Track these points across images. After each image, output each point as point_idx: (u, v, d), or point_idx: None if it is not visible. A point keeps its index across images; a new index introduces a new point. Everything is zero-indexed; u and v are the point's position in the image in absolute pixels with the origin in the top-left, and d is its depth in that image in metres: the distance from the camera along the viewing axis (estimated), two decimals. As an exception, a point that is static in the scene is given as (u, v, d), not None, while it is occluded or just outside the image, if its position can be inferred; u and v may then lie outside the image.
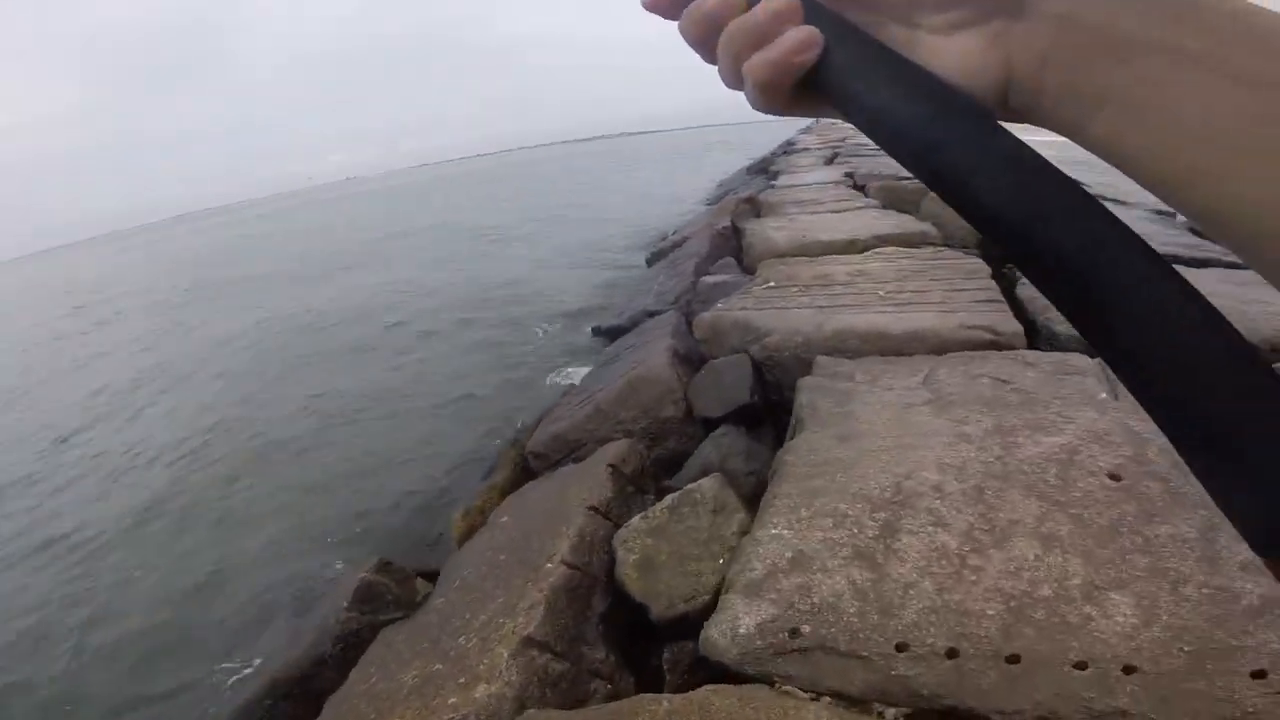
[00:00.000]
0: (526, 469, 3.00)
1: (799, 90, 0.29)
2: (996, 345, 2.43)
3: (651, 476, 2.53)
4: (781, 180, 7.65)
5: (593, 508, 2.11)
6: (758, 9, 0.29)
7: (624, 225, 11.59)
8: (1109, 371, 2.15)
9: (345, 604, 2.27)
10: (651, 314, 4.53)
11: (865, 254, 3.78)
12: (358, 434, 5.17)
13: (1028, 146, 0.25)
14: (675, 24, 0.31)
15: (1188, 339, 0.22)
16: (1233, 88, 0.22)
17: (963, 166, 0.25)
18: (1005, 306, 2.72)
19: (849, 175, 7.23)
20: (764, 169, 11.11)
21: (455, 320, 7.69)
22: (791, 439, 2.05)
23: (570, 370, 5.14)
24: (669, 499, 2.07)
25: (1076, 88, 0.25)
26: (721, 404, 2.63)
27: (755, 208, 6.01)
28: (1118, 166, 0.25)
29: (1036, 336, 2.60)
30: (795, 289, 3.33)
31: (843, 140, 15.15)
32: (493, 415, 4.87)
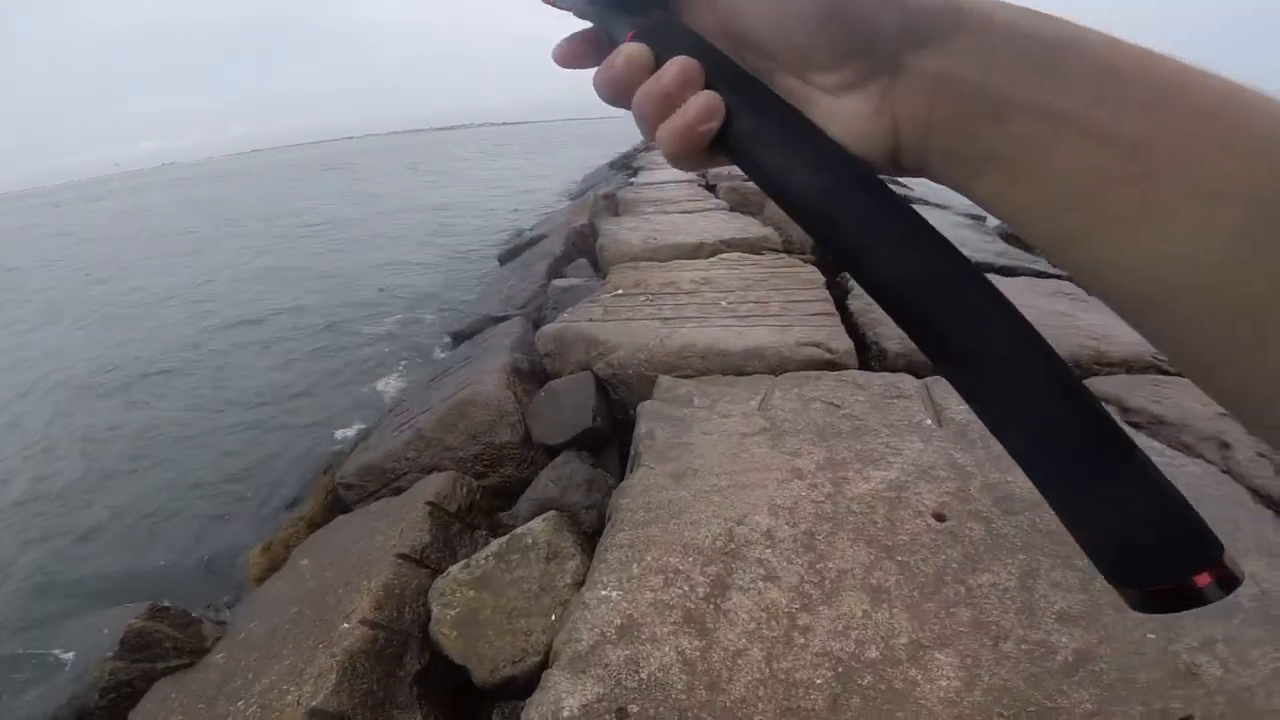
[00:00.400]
0: (340, 499, 2.67)
1: (709, 148, 0.30)
2: (831, 364, 2.44)
3: (484, 511, 2.30)
4: (641, 177, 7.59)
5: (403, 555, 1.87)
6: (662, 74, 0.29)
7: (480, 219, 11.03)
8: (933, 394, 2.24)
9: (111, 653, 2.06)
10: (496, 319, 4.22)
11: (711, 259, 3.75)
12: (150, 458, 4.37)
13: (912, 213, 0.26)
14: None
15: (1030, 379, 0.24)
16: (1095, 147, 0.21)
17: (853, 238, 0.27)
18: (838, 320, 2.76)
19: (702, 174, 7.32)
20: (626, 164, 11.06)
21: (276, 320, 6.85)
22: (630, 473, 1.89)
23: (404, 380, 4.69)
24: (495, 544, 1.85)
25: (958, 149, 0.25)
26: (561, 429, 2.43)
27: (614, 205, 5.86)
28: (1003, 221, 0.25)
29: (867, 352, 2.66)
30: (643, 297, 3.20)
31: None
32: (313, 430, 4.33)
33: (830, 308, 2.90)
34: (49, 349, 7.11)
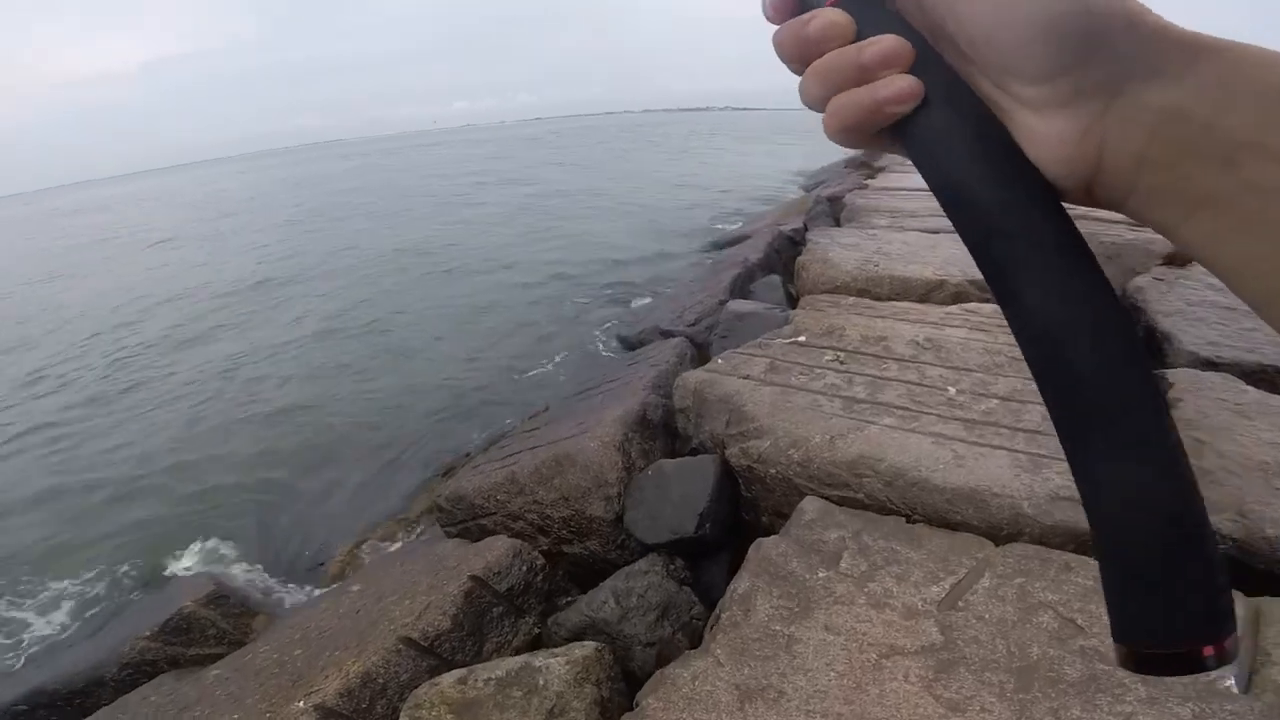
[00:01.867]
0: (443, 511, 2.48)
1: (883, 132, 0.29)
2: None
3: (543, 594, 1.95)
4: (880, 179, 6.40)
5: (408, 641, 1.66)
6: (866, 48, 0.28)
7: (708, 205, 10.59)
8: (1262, 634, 1.22)
9: (148, 633, 2.20)
10: (665, 333, 3.71)
11: (949, 309, 2.78)
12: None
13: (1090, 257, 0.26)
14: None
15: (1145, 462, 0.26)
16: None
17: (1018, 270, 0.26)
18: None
19: None
20: (866, 161, 9.77)
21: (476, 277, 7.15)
22: (689, 651, 1.25)
23: (561, 376, 4.41)
24: (507, 666, 1.49)
25: (1174, 189, 0.23)
26: (657, 527, 1.87)
27: (836, 210, 4.93)
28: (1211, 270, 0.24)
29: None
30: (831, 355, 2.42)
31: None
32: (462, 412, 4.25)
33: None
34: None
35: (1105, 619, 0.92)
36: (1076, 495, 1.09)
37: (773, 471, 1.87)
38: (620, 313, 5.28)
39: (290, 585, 2.77)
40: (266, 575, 2.88)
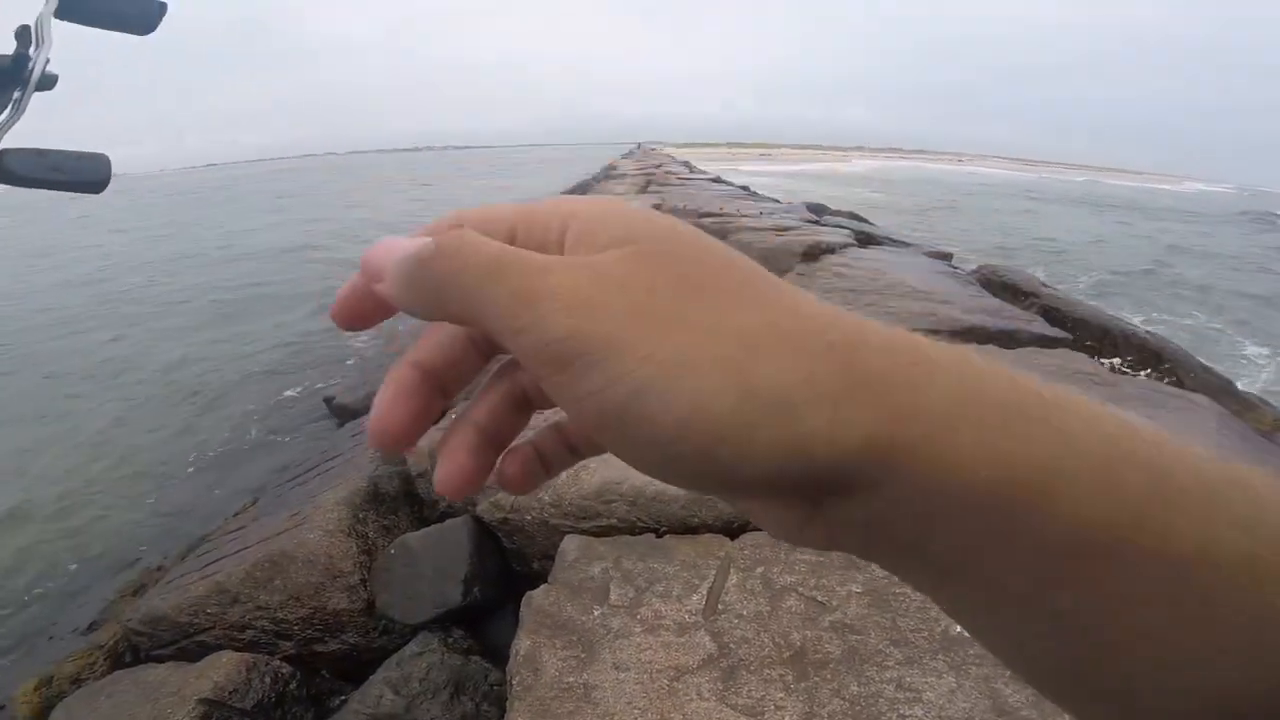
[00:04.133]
0: (131, 643, 2.11)
1: None
2: None
3: (304, 701, 1.74)
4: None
5: None
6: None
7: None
8: None
9: None
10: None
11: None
12: None
13: None
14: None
15: None
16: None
17: None
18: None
19: (658, 208, 6.76)
20: (583, 193, 10.55)
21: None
22: None
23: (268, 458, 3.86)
24: None
25: (907, 570, 0.22)
26: (418, 606, 1.75)
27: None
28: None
29: None
30: (562, 390, 2.49)
31: (658, 167, 15.17)
32: (146, 517, 3.46)
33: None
34: None
35: (839, 590, 1.10)
36: None
37: (529, 518, 1.87)
38: (335, 381, 4.80)
39: None
40: None
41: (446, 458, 0.25)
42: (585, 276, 0.19)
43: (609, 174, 16.56)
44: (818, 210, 9.56)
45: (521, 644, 1.38)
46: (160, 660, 1.86)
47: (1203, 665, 0.17)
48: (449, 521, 1.93)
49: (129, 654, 2.04)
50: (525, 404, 0.26)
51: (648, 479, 1.68)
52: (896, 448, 0.18)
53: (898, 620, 1.44)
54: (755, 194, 12.54)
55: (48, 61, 0.30)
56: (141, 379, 5.87)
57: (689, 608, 1.46)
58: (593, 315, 0.19)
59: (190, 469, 4.14)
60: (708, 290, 0.20)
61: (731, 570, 1.60)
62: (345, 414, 3.70)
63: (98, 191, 0.30)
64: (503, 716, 1.26)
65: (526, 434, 0.26)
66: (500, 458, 0.25)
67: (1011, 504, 0.18)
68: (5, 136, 0.29)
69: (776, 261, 4.23)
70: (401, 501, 2.22)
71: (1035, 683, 0.21)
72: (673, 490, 1.84)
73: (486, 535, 1.92)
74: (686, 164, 23.70)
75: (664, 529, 1.82)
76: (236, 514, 2.82)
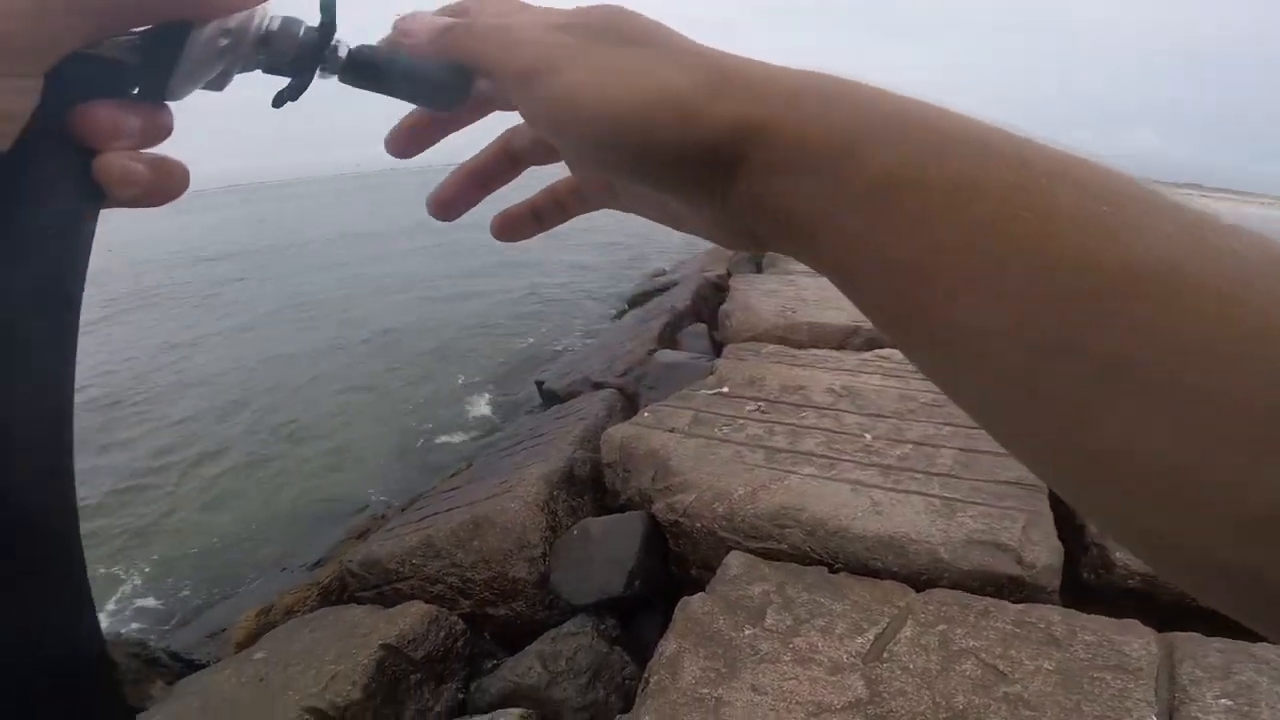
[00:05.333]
0: (345, 583, 2.44)
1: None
2: (1015, 584, 1.63)
3: (464, 659, 1.93)
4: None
5: (314, 711, 1.60)
6: None
7: (631, 249, 10.89)
8: (1178, 670, 1.34)
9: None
10: (596, 385, 3.74)
11: (865, 355, 2.94)
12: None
13: None
14: None
15: None
16: (889, 279, 0.23)
17: None
18: (1044, 499, 1.88)
19: None
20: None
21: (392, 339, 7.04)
22: (625, 717, 1.25)
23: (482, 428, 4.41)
24: None
25: (794, 252, 0.26)
26: (584, 588, 1.88)
27: (758, 256, 5.18)
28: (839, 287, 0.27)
29: (1076, 565, 1.82)
30: (753, 405, 2.51)
31: None
32: (377, 472, 4.16)
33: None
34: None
35: (1026, 664, 1.00)
36: (991, 538, 1.17)
37: (698, 526, 1.91)
38: (548, 364, 5.32)
39: (194, 648, 2.63)
40: (171, 635, 2.73)
41: (438, 187, 0.35)
42: (545, 26, 0.28)
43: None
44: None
45: (668, 645, 1.42)
46: (361, 602, 2.20)
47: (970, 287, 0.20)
48: (628, 514, 2.05)
49: (338, 593, 2.40)
50: (514, 159, 0.34)
51: (830, 509, 1.62)
52: (756, 121, 0.24)
53: (1083, 705, 1.24)
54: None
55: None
56: (412, 343, 7.02)
57: (849, 649, 1.39)
58: (549, 50, 0.27)
59: (424, 430, 4.87)
60: (630, 39, 0.27)
61: (909, 622, 1.49)
62: (552, 398, 4.06)
63: (450, 109, 0.29)
64: (627, 710, 1.32)
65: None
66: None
67: (835, 158, 0.23)
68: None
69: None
70: (589, 486, 2.40)
71: (892, 337, 0.24)
72: (858, 527, 1.76)
73: (656, 534, 1.99)
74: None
75: (839, 566, 1.74)
76: (453, 475, 3.25)
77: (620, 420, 2.90)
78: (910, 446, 2.20)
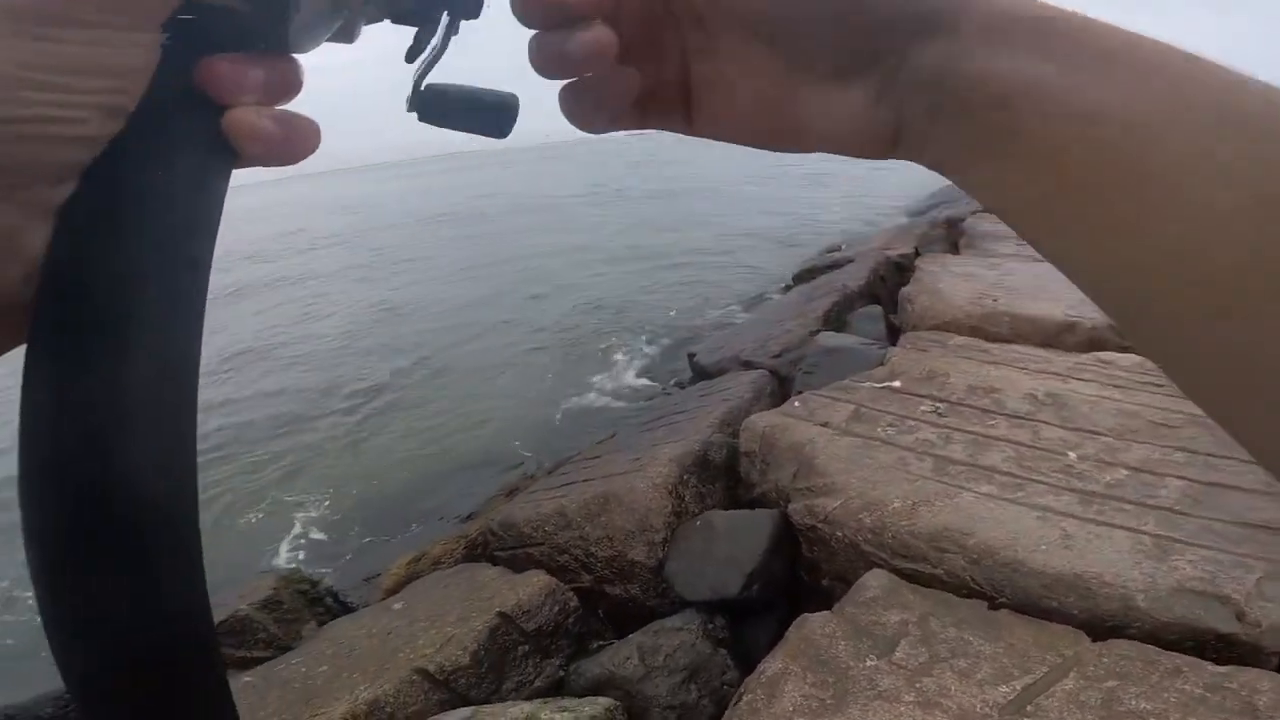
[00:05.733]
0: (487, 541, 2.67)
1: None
2: (1225, 643, 1.42)
3: (572, 636, 2.05)
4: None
5: (423, 672, 1.77)
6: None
7: (804, 222, 10.60)
8: None
9: None
10: (746, 364, 3.70)
11: (1080, 358, 2.62)
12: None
13: None
14: None
15: None
16: (1084, 126, 0.24)
17: None
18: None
19: None
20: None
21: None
22: None
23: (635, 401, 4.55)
24: (509, 714, 1.56)
25: (958, 140, 0.27)
26: (699, 584, 1.93)
27: (954, 235, 4.75)
28: (1002, 218, 0.28)
29: None
30: (929, 405, 2.35)
31: None
32: (533, 429, 4.49)
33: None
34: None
35: None
36: (1208, 588, 1.01)
37: (839, 535, 1.83)
38: (704, 335, 5.37)
39: (347, 592, 3.01)
40: (331, 578, 3.19)
41: None
42: None
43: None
44: None
45: (772, 664, 1.39)
46: (496, 562, 2.39)
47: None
48: (758, 511, 2.02)
49: (482, 548, 2.62)
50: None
51: (1006, 536, 1.49)
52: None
53: None
54: None
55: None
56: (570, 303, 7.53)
57: (988, 698, 1.27)
58: None
59: (577, 391, 5.20)
60: None
61: (1072, 673, 1.33)
62: (701, 372, 4.07)
63: (503, 136, 0.32)
64: (718, 716, 1.30)
65: None
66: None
67: (1037, 25, 0.25)
68: (429, 75, 0.31)
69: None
70: (722, 473, 2.39)
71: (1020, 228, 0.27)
72: (1037, 561, 1.60)
73: (788, 536, 1.95)
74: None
75: (1003, 601, 1.58)
76: (600, 442, 3.40)
77: (767, 406, 2.85)
78: (1125, 472, 1.93)
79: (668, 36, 0.31)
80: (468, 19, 0.30)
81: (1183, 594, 1.48)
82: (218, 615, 2.58)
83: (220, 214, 0.25)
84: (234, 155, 0.26)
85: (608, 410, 4.80)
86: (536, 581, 2.06)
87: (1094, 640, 1.42)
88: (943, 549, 1.69)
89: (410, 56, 0.30)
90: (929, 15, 0.26)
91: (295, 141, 0.26)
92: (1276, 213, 0.20)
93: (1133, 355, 2.65)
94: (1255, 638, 1.39)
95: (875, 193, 12.91)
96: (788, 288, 6.16)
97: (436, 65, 0.31)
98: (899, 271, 4.43)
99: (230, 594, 2.83)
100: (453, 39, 0.31)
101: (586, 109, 0.31)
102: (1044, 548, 1.62)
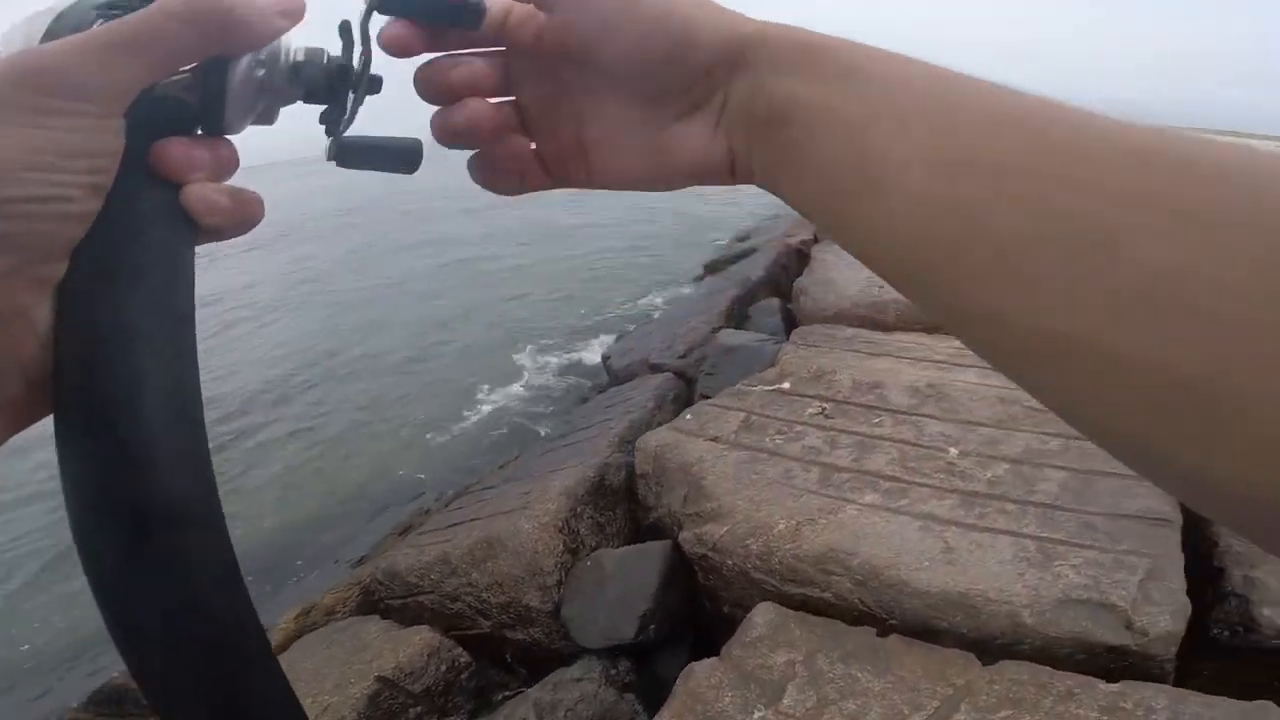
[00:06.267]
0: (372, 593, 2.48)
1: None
2: (1117, 655, 1.37)
3: (469, 692, 1.90)
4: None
5: None
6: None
7: (714, 210, 10.58)
8: None
9: (76, 705, 2.31)
10: (654, 367, 3.59)
11: (957, 345, 2.58)
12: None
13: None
14: None
15: None
16: (843, 135, 0.28)
17: None
18: (1176, 540, 1.58)
19: None
20: None
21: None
22: None
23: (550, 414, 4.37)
24: None
25: (767, 157, 0.32)
26: (594, 629, 1.78)
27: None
28: (806, 218, 0.34)
29: (1207, 627, 1.56)
30: (816, 406, 2.28)
31: None
32: (435, 451, 4.24)
33: (1170, 507, 1.67)
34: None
35: None
36: (1092, 596, 0.96)
37: (729, 563, 1.74)
38: (626, 332, 5.22)
39: None
40: None
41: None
42: None
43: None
44: None
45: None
46: (387, 612, 2.22)
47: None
48: (649, 545, 1.91)
49: (376, 595, 2.40)
50: (499, 35, 0.35)
51: (890, 554, 1.41)
52: (770, 31, 0.31)
53: None
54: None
55: (369, 64, 0.34)
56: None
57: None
58: None
59: (480, 411, 4.93)
60: None
61: (963, 706, 1.27)
62: (614, 376, 3.95)
63: (411, 172, 0.36)
64: None
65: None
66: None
67: (813, 55, 0.30)
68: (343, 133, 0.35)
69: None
70: (622, 497, 2.27)
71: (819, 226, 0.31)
72: (921, 580, 1.53)
73: (683, 565, 1.84)
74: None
75: (894, 622, 1.52)
76: (502, 466, 3.22)
77: (671, 414, 2.75)
78: (1005, 466, 1.90)
79: (563, 106, 0.35)
80: (371, 94, 0.34)
81: (1069, 605, 1.43)
82: (94, 682, 2.35)
83: (193, 281, 0.29)
84: (195, 228, 0.29)
85: (518, 424, 4.57)
86: (418, 640, 1.89)
87: (985, 663, 1.35)
88: (829, 571, 1.61)
89: (323, 120, 0.34)
90: (736, 56, 0.31)
91: (245, 212, 0.30)
92: (959, 179, 0.24)
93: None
94: (1144, 646, 1.35)
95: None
96: (700, 279, 6.09)
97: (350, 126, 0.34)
98: (801, 259, 4.40)
99: (109, 658, 2.56)
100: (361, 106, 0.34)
101: (488, 175, 0.37)
102: (927, 564, 1.56)
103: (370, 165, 0.35)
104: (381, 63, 0.34)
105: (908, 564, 1.56)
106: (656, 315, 5.77)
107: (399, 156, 0.35)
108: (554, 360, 5.55)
